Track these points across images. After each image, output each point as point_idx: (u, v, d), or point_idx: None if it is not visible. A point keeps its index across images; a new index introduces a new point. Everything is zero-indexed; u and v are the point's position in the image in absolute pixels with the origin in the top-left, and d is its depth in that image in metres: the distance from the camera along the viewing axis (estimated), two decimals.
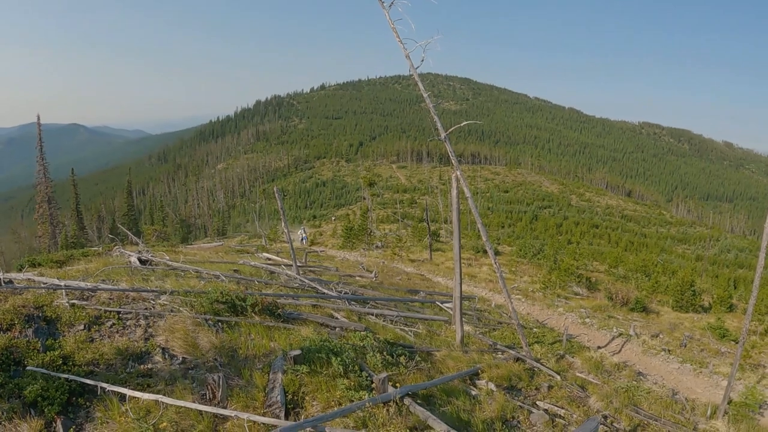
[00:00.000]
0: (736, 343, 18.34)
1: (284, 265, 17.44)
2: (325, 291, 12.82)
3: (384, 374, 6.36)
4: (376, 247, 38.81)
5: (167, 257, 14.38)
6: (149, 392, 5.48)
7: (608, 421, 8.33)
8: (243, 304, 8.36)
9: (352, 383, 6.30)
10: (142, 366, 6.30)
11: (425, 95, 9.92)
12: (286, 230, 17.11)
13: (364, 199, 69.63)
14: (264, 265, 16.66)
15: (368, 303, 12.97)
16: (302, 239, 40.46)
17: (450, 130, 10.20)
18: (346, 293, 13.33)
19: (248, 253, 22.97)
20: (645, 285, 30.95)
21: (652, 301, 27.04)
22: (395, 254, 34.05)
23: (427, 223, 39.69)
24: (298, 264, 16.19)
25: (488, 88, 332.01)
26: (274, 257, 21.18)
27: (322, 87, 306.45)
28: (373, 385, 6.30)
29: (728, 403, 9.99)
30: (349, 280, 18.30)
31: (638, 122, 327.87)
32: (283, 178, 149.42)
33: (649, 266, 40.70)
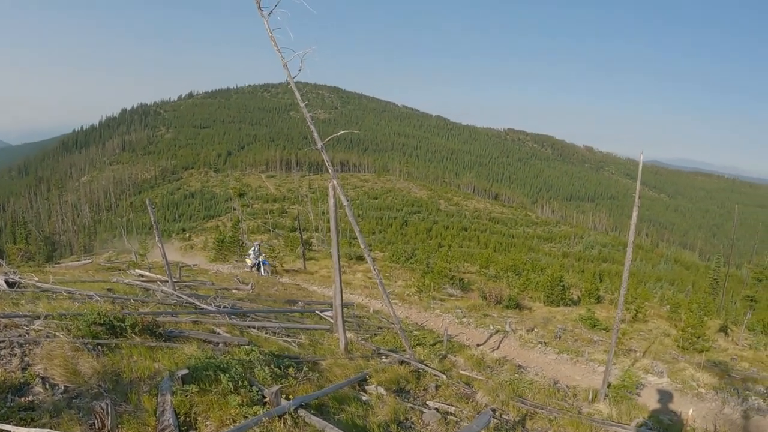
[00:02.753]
0: (607, 331, 19.64)
1: (159, 281, 16.68)
2: (204, 306, 12.45)
3: (276, 387, 6.25)
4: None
5: (36, 278, 13.29)
6: (34, 426, 4.94)
7: (497, 413, 8.60)
8: (122, 324, 7.78)
9: (244, 399, 6.10)
10: (22, 399, 5.61)
11: (302, 105, 9.80)
12: (160, 245, 16.30)
13: (234, 209, 68.36)
14: (138, 282, 15.87)
15: (248, 316, 12.66)
16: (257, 264, 28.39)
17: (327, 139, 10.13)
18: (225, 307, 13.04)
19: (119, 270, 21.75)
20: (516, 283, 32.36)
21: (525, 298, 28.31)
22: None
23: (300, 233, 39.54)
24: (174, 279, 15.54)
25: (357, 97, 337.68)
26: (146, 273, 20.22)
27: (190, 95, 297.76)
28: (266, 399, 6.17)
29: (607, 387, 10.59)
30: (226, 293, 17.85)
31: (503, 129, 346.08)
32: (151, 190, 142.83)
33: (518, 265, 42.60)
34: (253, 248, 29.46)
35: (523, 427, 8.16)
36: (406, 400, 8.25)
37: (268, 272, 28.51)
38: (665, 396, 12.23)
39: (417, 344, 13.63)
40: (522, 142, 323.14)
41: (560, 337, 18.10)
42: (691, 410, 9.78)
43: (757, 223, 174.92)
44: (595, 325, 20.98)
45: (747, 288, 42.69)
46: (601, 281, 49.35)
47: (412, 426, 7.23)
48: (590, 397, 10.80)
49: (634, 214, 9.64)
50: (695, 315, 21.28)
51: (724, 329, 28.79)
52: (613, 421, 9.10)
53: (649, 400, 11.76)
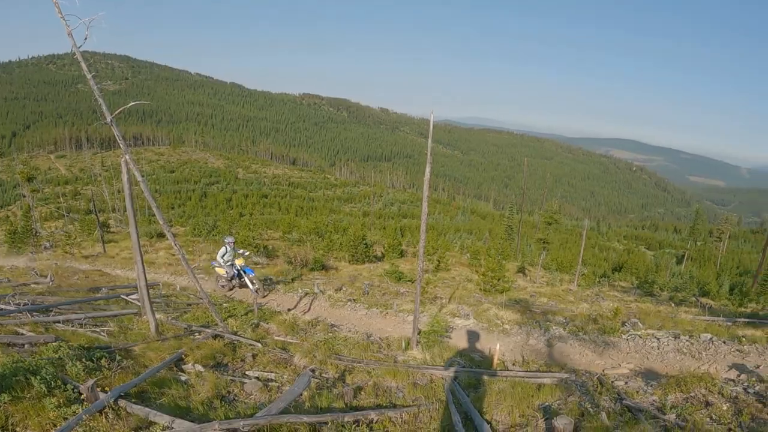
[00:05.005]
0: (412, 283, 20.64)
1: None
2: (2, 306, 11.47)
3: (90, 381, 5.93)
4: (45, 248, 35.21)
5: None
6: None
7: (317, 373, 8.81)
8: None
9: (61, 400, 5.77)
10: None
11: (89, 76, 9.05)
12: None
13: (24, 197, 62.08)
14: None
15: (52, 311, 11.77)
16: (236, 274, 18.63)
17: (117, 112, 9.48)
18: (26, 304, 12.17)
19: None
20: (320, 245, 32.88)
21: (330, 259, 28.87)
22: (67, 252, 31.60)
23: (96, 215, 37.48)
24: None
25: (149, 66, 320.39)
26: None
27: None
28: (83, 396, 5.85)
29: (418, 334, 11.20)
30: (25, 289, 16.42)
31: (299, 94, 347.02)
32: None
33: (321, 227, 43.32)
34: (223, 249, 18.44)
35: (344, 383, 8.39)
36: (225, 373, 8.31)
37: (259, 287, 18.29)
38: (474, 336, 13.20)
39: (228, 316, 13.49)
40: (318, 107, 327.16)
41: (368, 293, 18.75)
42: (498, 345, 10.63)
43: (544, 173, 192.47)
44: (400, 278, 21.99)
45: (539, 232, 47.02)
46: (402, 236, 51.58)
47: (236, 398, 7.25)
48: (403, 345, 11.35)
49: (427, 171, 10.14)
50: (494, 260, 22.99)
51: (522, 270, 31.51)
52: (427, 365, 9.65)
53: (459, 341, 12.62)
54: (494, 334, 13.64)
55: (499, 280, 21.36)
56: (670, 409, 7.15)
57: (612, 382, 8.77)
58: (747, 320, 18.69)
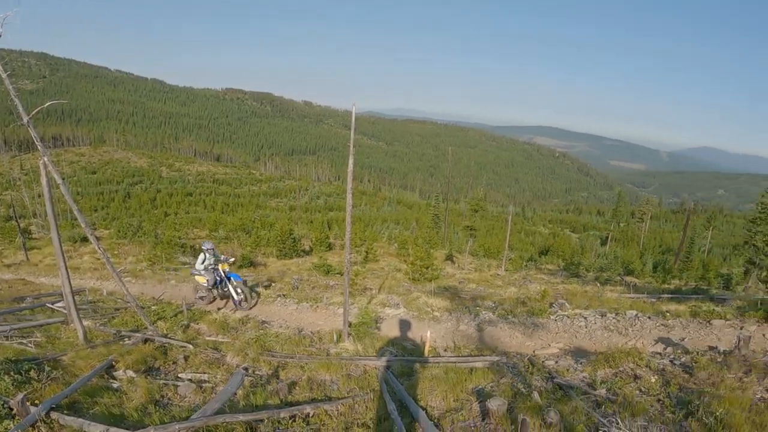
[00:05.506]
0: (342, 275, 20.62)
1: None
2: None
3: (20, 395, 5.78)
4: None
5: None
6: None
7: (250, 371, 8.76)
8: None
9: None
10: None
11: (4, 76, 8.68)
12: None
13: None
14: None
15: None
16: (218, 282, 16.35)
17: (33, 112, 9.10)
18: None
19: None
20: (247, 242, 32.54)
21: (258, 255, 28.56)
22: None
23: (16, 221, 35.74)
24: None
25: (67, 63, 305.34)
26: None
27: None
28: (14, 411, 5.73)
29: (349, 325, 11.19)
30: None
31: (222, 89, 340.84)
32: None
33: (247, 224, 42.91)
34: (202, 256, 16.17)
35: (278, 379, 8.33)
36: (158, 377, 8.19)
37: (245, 296, 16.09)
38: (405, 324, 13.28)
39: (158, 319, 13.21)
40: (241, 101, 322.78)
41: (298, 287, 18.65)
42: (428, 332, 10.73)
43: (469, 161, 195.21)
44: (329, 271, 21.94)
45: (466, 219, 47.72)
46: (330, 229, 51.62)
47: (170, 402, 7.17)
48: (335, 338, 11.33)
49: (351, 163, 10.11)
50: (422, 249, 23.20)
51: (450, 258, 31.86)
52: (360, 356, 9.66)
53: (391, 331, 12.66)
54: (425, 321, 13.76)
55: (427, 268, 21.58)
56: (600, 384, 7.36)
57: (543, 362, 8.96)
58: (670, 296, 19.44)
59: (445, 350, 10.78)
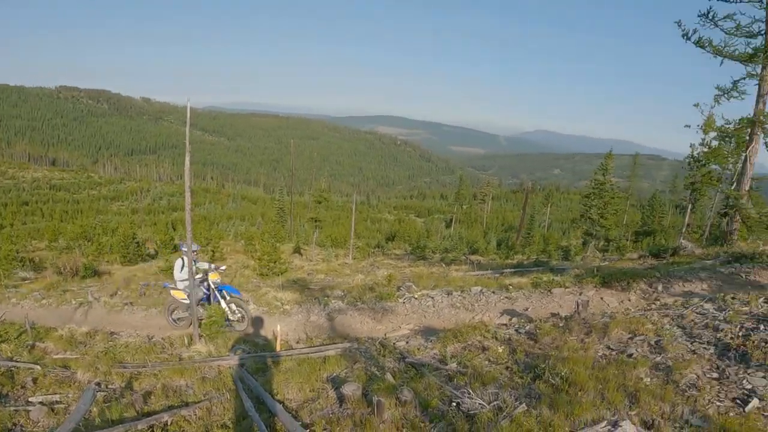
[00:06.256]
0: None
1: None
2: None
3: None
4: None
5: None
6: None
7: (102, 385, 8.40)
8: None
9: None
10: None
11: None
12: None
13: None
14: None
15: None
16: (207, 297, 13.04)
17: None
18: None
19: None
20: (89, 250, 30.84)
21: (102, 263, 27.13)
22: None
23: None
24: None
25: None
26: None
27: None
28: None
29: (199, 327, 10.97)
30: None
31: (55, 87, 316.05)
32: None
33: (88, 231, 40.68)
34: (180, 262, 12.85)
35: (132, 390, 8.04)
36: (6, 404, 7.63)
37: (243, 314, 12.94)
38: (256, 321, 13.17)
39: (0, 342, 12.26)
40: (77, 100, 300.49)
41: (144, 294, 17.98)
42: (278, 326, 10.73)
43: (312, 153, 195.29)
44: None
45: (311, 211, 47.90)
46: (174, 230, 50.15)
47: (23, 429, 6.80)
48: (186, 341, 11.07)
49: (187, 160, 9.83)
50: (268, 243, 23.12)
51: (297, 250, 31.89)
52: (213, 357, 9.51)
53: (243, 329, 12.55)
54: (276, 316, 13.73)
55: (275, 262, 21.59)
56: (451, 359, 7.66)
57: (394, 344, 9.23)
58: (513, 270, 20.60)
59: (298, 342, 10.84)
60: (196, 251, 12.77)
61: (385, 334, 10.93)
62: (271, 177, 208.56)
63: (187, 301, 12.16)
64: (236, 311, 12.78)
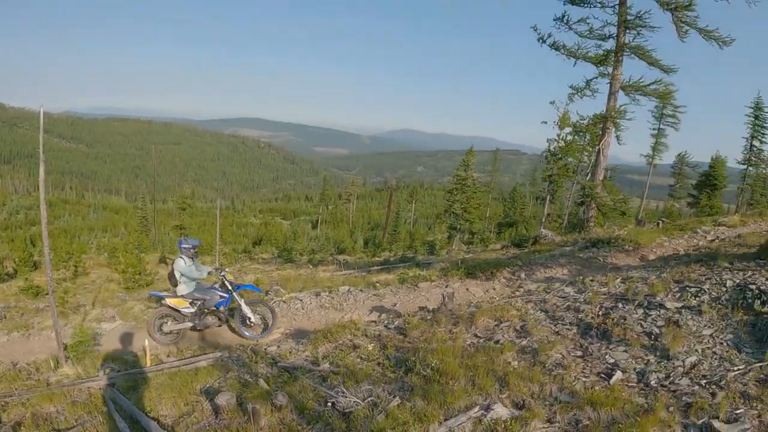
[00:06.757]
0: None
1: None
2: None
3: None
4: None
5: None
6: None
7: None
8: None
9: None
10: None
11: None
12: None
13: None
14: None
15: None
16: (227, 301, 11.38)
17: None
18: None
19: None
20: None
21: None
22: None
23: None
24: None
25: None
26: None
27: None
28: None
29: (65, 349, 10.47)
30: None
31: None
32: None
33: None
34: (182, 263, 11.21)
35: (0, 422, 7.59)
36: None
37: (272, 315, 11.54)
38: (125, 337, 12.67)
39: None
40: None
41: (5, 317, 16.83)
42: (146, 341, 10.45)
43: (175, 159, 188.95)
44: (38, 293, 20.06)
45: (175, 219, 46.51)
46: (34, 246, 46.85)
47: None
48: (53, 365, 10.53)
49: (41, 170, 9.21)
50: (132, 255, 22.35)
51: (163, 260, 30.96)
52: (81, 379, 9.14)
53: (111, 346, 12.01)
54: (143, 330, 13.34)
55: (140, 274, 20.98)
56: (323, 359, 7.83)
57: (265, 349, 9.26)
58: (380, 267, 21.05)
59: (168, 356, 10.58)
60: (196, 247, 11.52)
61: (257, 341, 10.91)
62: (133, 185, 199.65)
63: (191, 310, 11.09)
64: (255, 313, 11.48)
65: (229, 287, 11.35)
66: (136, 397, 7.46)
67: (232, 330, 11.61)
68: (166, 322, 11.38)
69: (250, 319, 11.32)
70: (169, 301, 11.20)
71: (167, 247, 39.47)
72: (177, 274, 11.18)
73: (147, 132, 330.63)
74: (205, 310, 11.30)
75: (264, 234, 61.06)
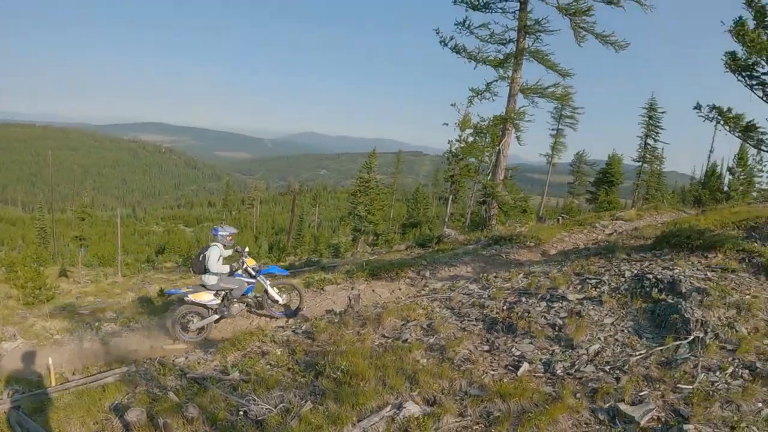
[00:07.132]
0: None
1: None
2: None
3: None
4: None
5: None
6: None
7: None
8: None
9: None
10: None
11: None
12: None
13: None
14: None
15: None
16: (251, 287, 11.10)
17: None
18: None
19: None
20: None
21: None
22: None
23: None
24: None
25: None
26: None
27: None
28: None
29: None
30: None
31: None
32: None
33: None
34: (215, 248, 10.61)
35: None
36: None
37: (296, 294, 11.75)
38: (27, 356, 12.08)
39: None
40: None
41: None
42: (50, 359, 10.03)
43: (73, 165, 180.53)
44: None
45: (75, 229, 44.53)
46: None
47: None
48: None
49: None
50: (31, 268, 21.33)
51: (64, 273, 29.66)
52: None
53: (13, 366, 11.44)
54: (47, 348, 12.67)
55: (40, 289, 20.11)
56: (232, 368, 7.75)
57: (173, 361, 9.07)
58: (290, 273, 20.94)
59: (74, 373, 10.19)
60: (233, 234, 11.09)
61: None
62: (29, 194, 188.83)
63: (216, 301, 10.76)
64: (281, 294, 11.56)
65: (252, 273, 11.17)
66: (43, 419, 7.16)
67: (257, 314, 11.63)
68: (192, 320, 10.97)
69: (278, 301, 11.47)
70: (193, 297, 10.79)
71: (67, 259, 37.87)
72: (211, 263, 10.57)
73: (43, 137, 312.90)
74: (234, 299, 11.01)
75: (167, 242, 59.50)
